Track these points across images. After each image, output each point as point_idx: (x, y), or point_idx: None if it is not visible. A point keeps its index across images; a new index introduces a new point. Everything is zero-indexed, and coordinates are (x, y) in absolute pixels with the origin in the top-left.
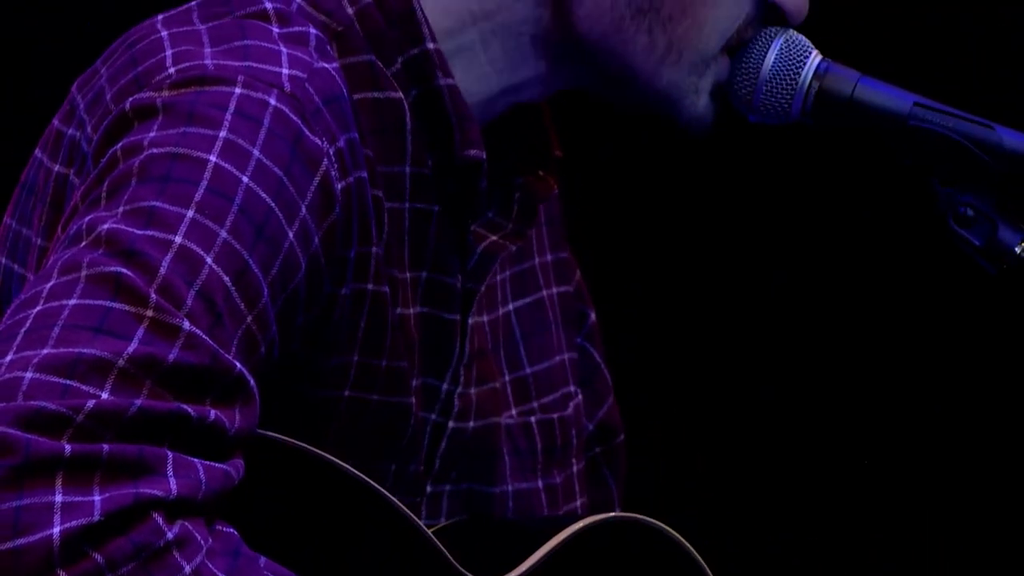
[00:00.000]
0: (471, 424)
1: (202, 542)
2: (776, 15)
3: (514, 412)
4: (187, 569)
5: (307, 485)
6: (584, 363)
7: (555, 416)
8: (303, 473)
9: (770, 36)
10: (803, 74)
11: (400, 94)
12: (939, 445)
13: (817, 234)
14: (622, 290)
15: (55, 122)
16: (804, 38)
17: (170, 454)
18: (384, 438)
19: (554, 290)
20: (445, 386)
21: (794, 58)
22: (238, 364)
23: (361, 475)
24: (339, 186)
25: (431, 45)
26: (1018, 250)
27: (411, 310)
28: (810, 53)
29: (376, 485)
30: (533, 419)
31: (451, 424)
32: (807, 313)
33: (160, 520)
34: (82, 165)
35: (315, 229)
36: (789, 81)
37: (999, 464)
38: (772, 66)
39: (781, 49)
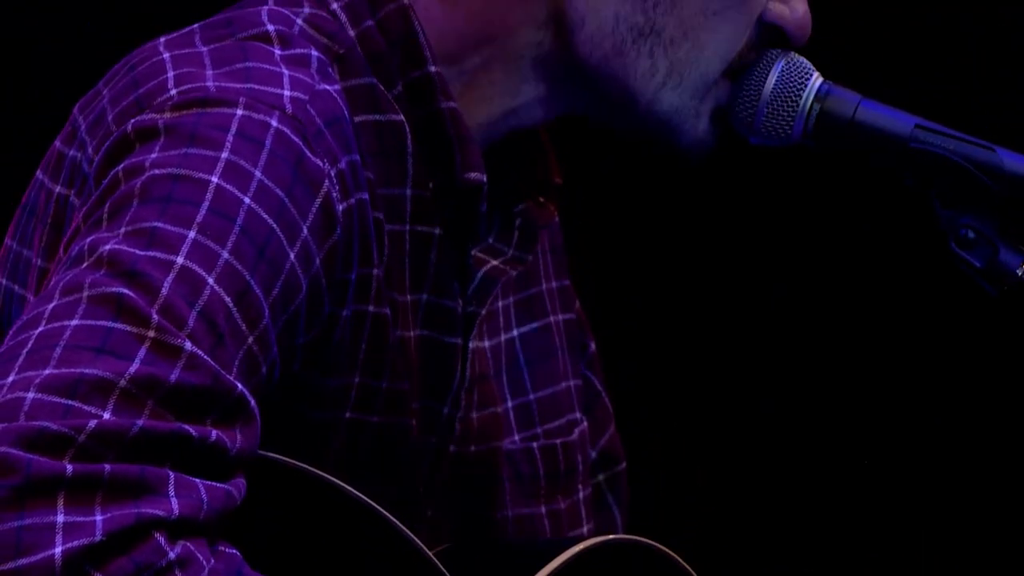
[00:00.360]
0: (472, 448)
1: (204, 562)
2: (778, 37)
3: (516, 438)
4: None
5: (309, 506)
6: (586, 391)
7: (558, 442)
8: (305, 494)
9: (771, 59)
10: (804, 96)
11: (401, 116)
12: (941, 458)
13: (816, 250)
14: (623, 303)
15: (57, 143)
16: (805, 60)
17: (172, 474)
18: (385, 460)
19: (560, 317)
20: (446, 410)
21: (795, 80)
22: (239, 385)
23: (363, 496)
24: (340, 207)
25: (432, 68)
26: (1019, 272)
27: (411, 333)
28: (811, 75)
29: (378, 507)
30: (535, 445)
31: (452, 448)
32: (808, 332)
33: (162, 540)
34: (83, 186)
35: (316, 250)
36: (790, 103)
37: (999, 479)
38: (773, 88)
39: (782, 71)
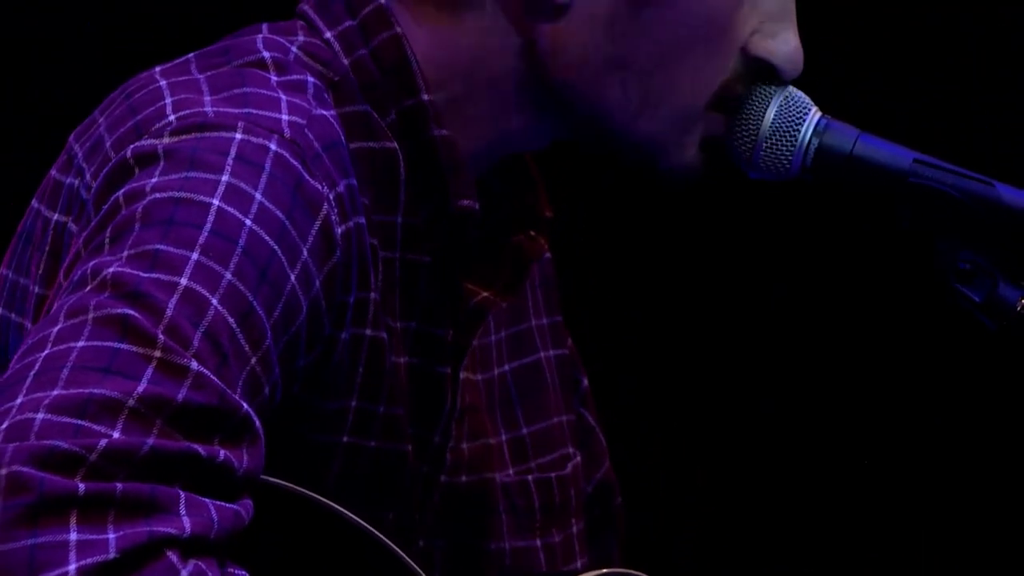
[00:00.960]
0: (463, 479)
1: None
2: (768, 71)
3: (511, 471)
4: None
5: (310, 531)
6: (580, 426)
7: (553, 475)
8: (306, 519)
9: (769, 93)
10: (803, 131)
11: (395, 144)
12: (940, 458)
13: (815, 251)
14: (621, 312)
15: (53, 172)
16: (803, 95)
17: (182, 494)
18: (382, 486)
19: (551, 352)
20: (436, 438)
21: (793, 115)
22: (244, 404)
23: (363, 523)
24: (339, 230)
25: (425, 97)
26: (1019, 307)
27: (402, 360)
28: (809, 110)
29: (378, 533)
30: (530, 477)
31: (443, 478)
32: (807, 334)
33: (174, 558)
34: (81, 212)
35: (316, 272)
36: (789, 138)
37: (999, 479)
38: (772, 123)
39: (780, 106)
